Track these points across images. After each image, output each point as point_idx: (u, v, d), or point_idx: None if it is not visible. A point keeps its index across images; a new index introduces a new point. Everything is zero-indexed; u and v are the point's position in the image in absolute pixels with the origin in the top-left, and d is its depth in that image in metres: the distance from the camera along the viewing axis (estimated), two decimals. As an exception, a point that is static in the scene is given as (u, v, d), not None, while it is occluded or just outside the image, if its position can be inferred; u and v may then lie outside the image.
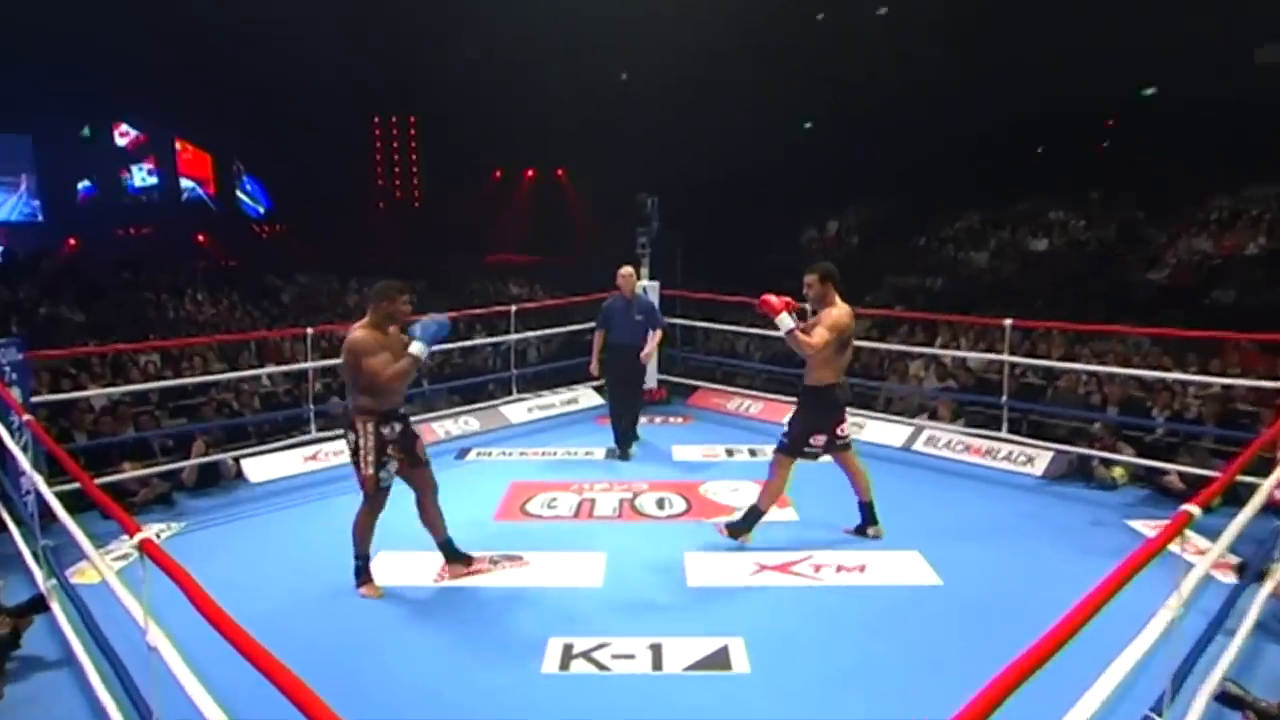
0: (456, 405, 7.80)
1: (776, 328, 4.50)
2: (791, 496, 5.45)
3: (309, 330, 6.81)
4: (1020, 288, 12.81)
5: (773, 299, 4.46)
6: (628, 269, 6.72)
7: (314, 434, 6.50)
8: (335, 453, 6.51)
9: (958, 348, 8.95)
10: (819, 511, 5.26)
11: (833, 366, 4.58)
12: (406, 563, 4.51)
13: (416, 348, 3.87)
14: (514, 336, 8.25)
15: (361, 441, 3.94)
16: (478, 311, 9.91)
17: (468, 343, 9.41)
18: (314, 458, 6.43)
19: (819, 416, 4.65)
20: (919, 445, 6.75)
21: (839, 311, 4.51)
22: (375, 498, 4.04)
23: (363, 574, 4.13)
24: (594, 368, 6.74)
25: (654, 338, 6.73)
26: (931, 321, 10.03)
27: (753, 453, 6.66)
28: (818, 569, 4.42)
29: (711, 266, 14.20)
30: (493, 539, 4.78)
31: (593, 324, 6.87)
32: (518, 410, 7.81)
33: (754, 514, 4.74)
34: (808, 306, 4.70)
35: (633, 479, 5.98)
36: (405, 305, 4.01)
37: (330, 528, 5.16)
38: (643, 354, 6.75)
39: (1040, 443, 6.28)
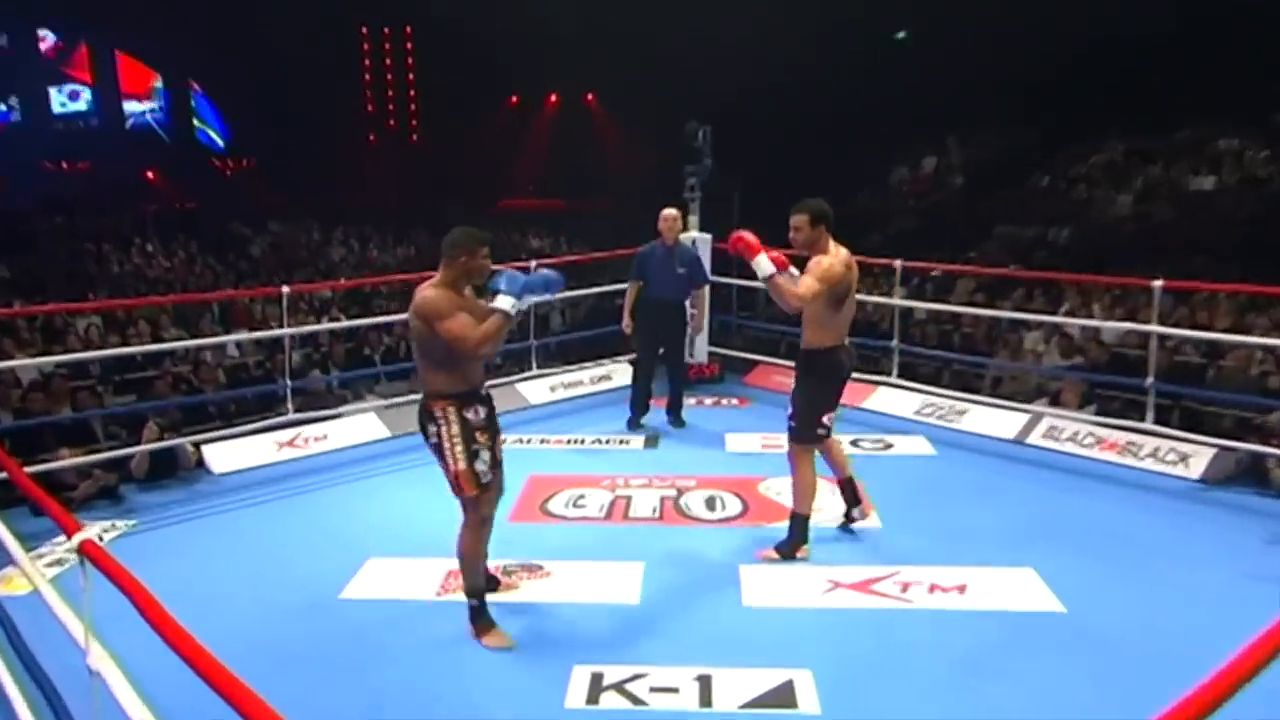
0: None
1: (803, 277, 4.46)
2: (873, 498, 5.42)
3: (284, 289, 6.86)
4: (1175, 239, 12.49)
5: (750, 236, 4.42)
6: (672, 211, 6.85)
7: (291, 415, 6.59)
8: (316, 438, 6.61)
9: (1089, 315, 8.78)
10: (908, 516, 5.22)
11: (832, 327, 4.61)
12: (403, 571, 4.56)
13: (505, 301, 3.73)
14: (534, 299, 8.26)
15: (444, 430, 3.83)
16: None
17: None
18: (291, 443, 6.53)
19: (825, 388, 4.69)
20: (1036, 437, 6.67)
21: (832, 259, 4.49)
22: (479, 500, 3.90)
23: (481, 616, 3.99)
24: (626, 324, 6.94)
25: (702, 297, 6.79)
26: (1055, 282, 9.83)
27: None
28: (905, 588, 4.39)
29: (777, 215, 14.00)
30: (507, 544, 4.80)
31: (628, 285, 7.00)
32: (538, 389, 7.85)
33: (799, 524, 4.75)
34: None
35: (677, 474, 5.98)
36: (486, 260, 3.92)
37: (310, 527, 5.26)
38: (692, 326, 6.83)
39: (1198, 437, 6.14)
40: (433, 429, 3.84)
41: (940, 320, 9.65)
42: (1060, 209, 15.02)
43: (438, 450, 3.86)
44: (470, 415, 3.84)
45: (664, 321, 6.87)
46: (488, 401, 3.98)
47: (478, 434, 3.85)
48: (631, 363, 7.56)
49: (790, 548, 4.72)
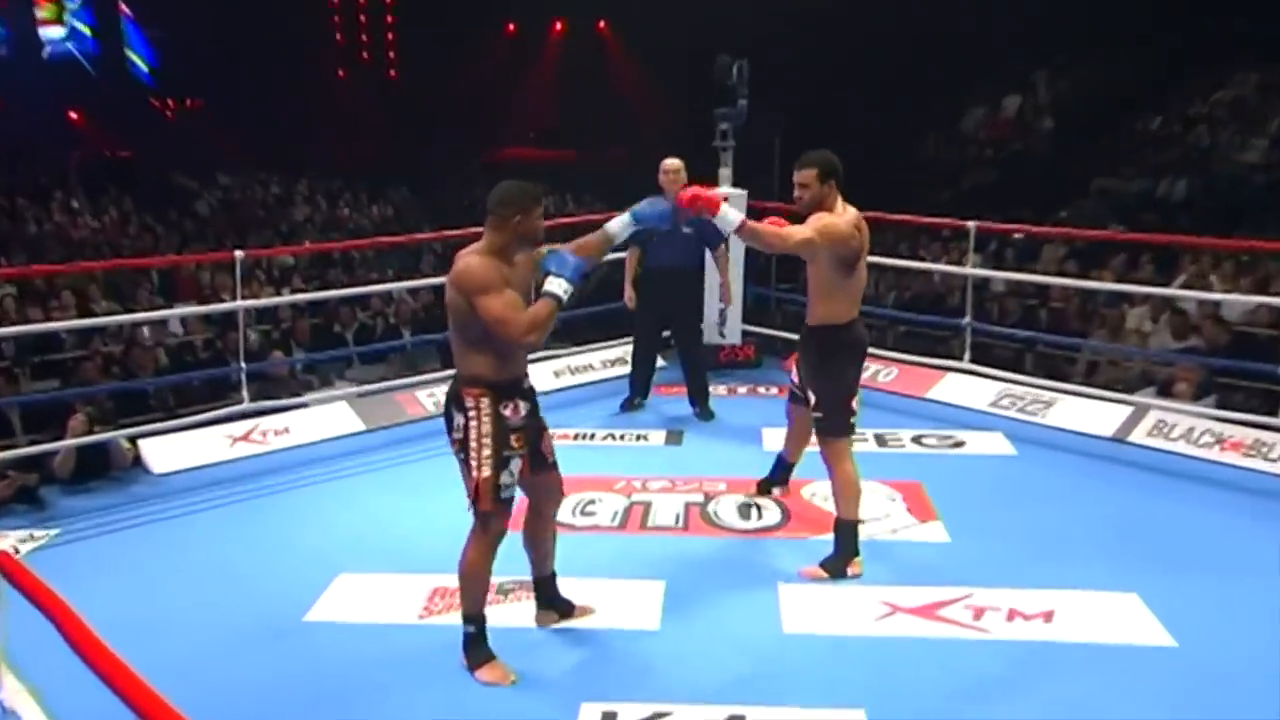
0: (452, 365, 7.89)
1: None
2: (938, 507, 5.41)
3: (238, 253, 6.89)
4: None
5: (705, 190, 4.38)
6: (674, 161, 6.80)
7: (245, 404, 6.61)
8: (276, 431, 6.65)
9: (1208, 287, 8.71)
10: (982, 527, 5.21)
11: (846, 296, 4.69)
12: (379, 589, 4.58)
13: (557, 285, 3.77)
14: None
15: (474, 426, 3.84)
16: (480, 231, 9.97)
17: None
18: (246, 438, 6.56)
19: (851, 368, 4.73)
20: (1140, 435, 6.63)
21: (834, 218, 4.55)
22: (493, 516, 3.90)
23: (478, 646, 4.02)
24: (629, 297, 7.05)
25: (727, 260, 6.93)
26: (1167, 247, 9.76)
27: (880, 440, 6.63)
28: (979, 614, 4.37)
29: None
30: (504, 557, 4.78)
31: None
32: (541, 374, 7.78)
33: (848, 533, 4.76)
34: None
35: (704, 475, 5.99)
36: (541, 220, 3.97)
37: (270, 538, 5.30)
38: (721, 298, 6.87)
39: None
40: (459, 421, 3.85)
41: (1023, 293, 9.61)
42: (1175, 157, 14.90)
43: (461, 447, 3.86)
44: (507, 412, 3.85)
45: (669, 293, 6.86)
46: (530, 395, 3.99)
47: (513, 437, 3.86)
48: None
49: (839, 563, 4.72)
